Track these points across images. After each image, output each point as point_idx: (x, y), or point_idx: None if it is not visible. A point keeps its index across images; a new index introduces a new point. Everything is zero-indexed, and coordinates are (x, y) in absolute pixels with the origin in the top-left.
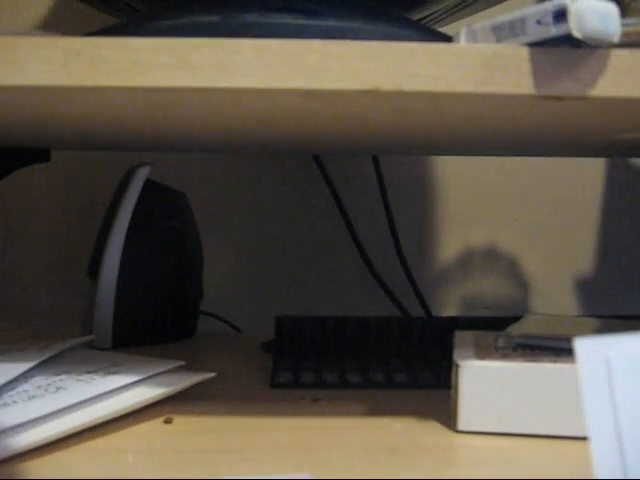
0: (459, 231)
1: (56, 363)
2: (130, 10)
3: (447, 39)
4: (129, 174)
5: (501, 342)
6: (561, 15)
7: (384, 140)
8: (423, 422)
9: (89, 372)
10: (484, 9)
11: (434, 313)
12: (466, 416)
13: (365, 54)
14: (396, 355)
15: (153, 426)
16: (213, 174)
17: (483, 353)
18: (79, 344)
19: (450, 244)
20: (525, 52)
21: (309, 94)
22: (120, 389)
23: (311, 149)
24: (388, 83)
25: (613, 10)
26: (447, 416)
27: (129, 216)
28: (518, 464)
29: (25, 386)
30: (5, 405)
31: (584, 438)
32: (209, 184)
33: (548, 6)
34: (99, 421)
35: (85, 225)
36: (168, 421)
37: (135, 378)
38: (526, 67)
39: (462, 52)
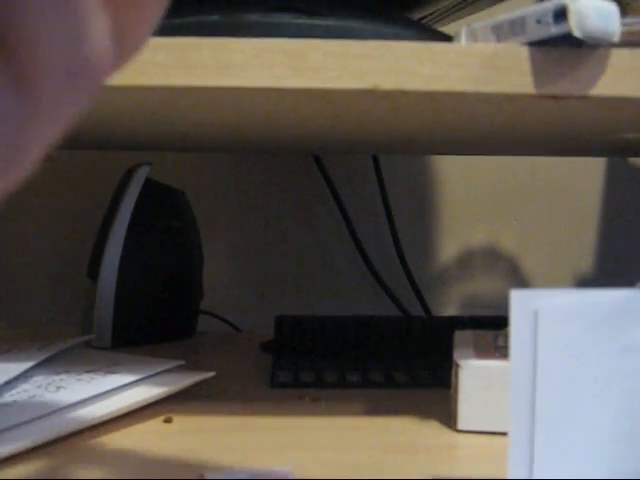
0: (459, 231)
1: (56, 362)
2: None
3: (447, 38)
4: (129, 174)
5: (501, 341)
6: (561, 14)
7: (384, 139)
8: (423, 422)
9: (89, 371)
10: (484, 8)
11: (434, 313)
12: (466, 415)
13: (365, 53)
14: (396, 355)
15: (153, 425)
16: (213, 173)
17: (483, 353)
18: (79, 343)
19: (450, 244)
20: (525, 51)
21: (309, 93)
22: (120, 388)
23: (311, 148)
24: (388, 82)
25: (613, 9)
26: (447, 415)
27: (129, 216)
28: None
29: (25, 385)
30: (5, 404)
31: None
32: (209, 183)
33: (548, 5)
34: (99, 421)
35: (85, 225)
36: (168, 420)
37: (135, 377)
38: (526, 66)
39: (462, 51)
